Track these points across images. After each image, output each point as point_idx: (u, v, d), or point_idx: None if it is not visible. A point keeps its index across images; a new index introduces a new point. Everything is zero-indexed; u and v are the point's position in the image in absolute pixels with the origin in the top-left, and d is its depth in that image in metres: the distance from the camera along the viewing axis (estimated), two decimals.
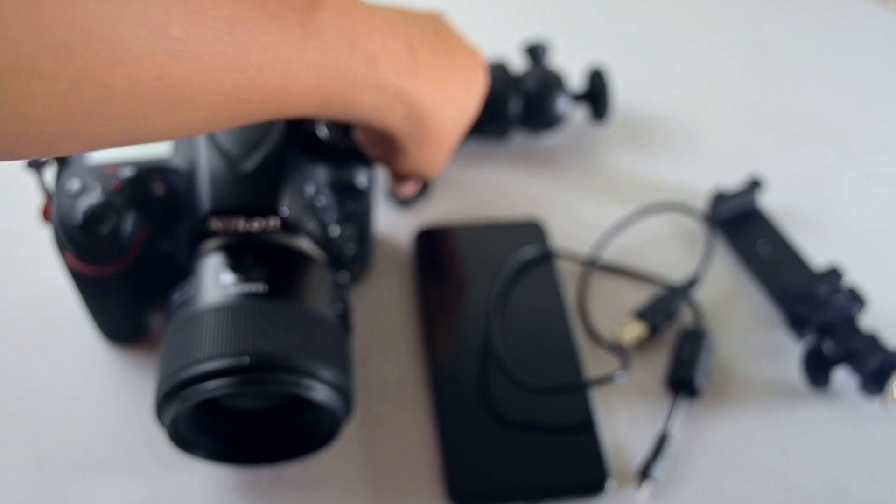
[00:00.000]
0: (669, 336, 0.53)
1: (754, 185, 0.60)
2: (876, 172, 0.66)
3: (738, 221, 0.60)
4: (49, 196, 0.46)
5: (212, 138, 0.44)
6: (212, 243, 0.44)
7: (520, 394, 0.50)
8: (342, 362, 0.42)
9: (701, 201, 0.61)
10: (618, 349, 0.53)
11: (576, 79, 0.67)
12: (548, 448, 0.48)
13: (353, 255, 0.51)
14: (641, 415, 0.50)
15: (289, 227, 0.44)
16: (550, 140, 0.68)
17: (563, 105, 0.64)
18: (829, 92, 0.73)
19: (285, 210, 0.44)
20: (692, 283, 0.55)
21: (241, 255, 0.43)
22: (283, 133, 0.45)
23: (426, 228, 0.59)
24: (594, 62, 0.66)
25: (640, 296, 0.56)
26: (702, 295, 0.56)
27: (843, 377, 0.51)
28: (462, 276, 0.56)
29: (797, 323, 0.53)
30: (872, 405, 0.51)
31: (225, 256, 0.43)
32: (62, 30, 0.24)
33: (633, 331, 0.53)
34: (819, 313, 0.52)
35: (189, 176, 0.45)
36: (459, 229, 0.59)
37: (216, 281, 0.42)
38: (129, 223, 0.44)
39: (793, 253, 0.58)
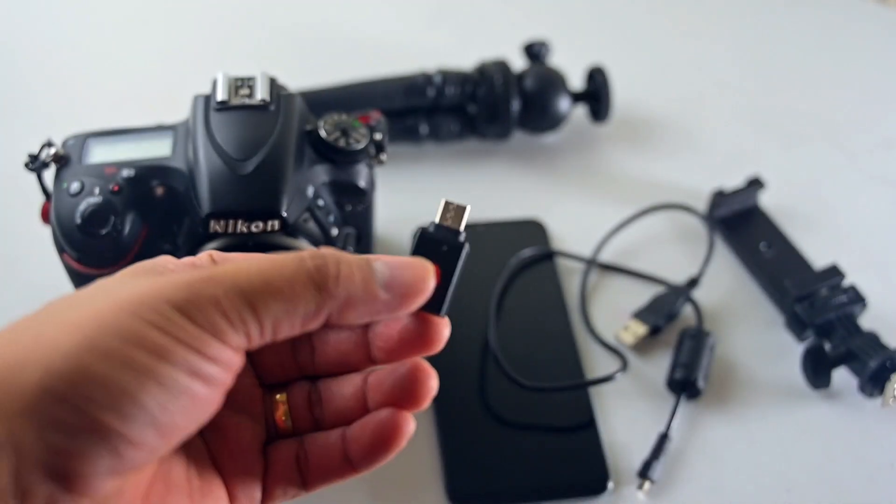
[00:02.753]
0: (670, 336, 0.53)
1: (754, 185, 0.60)
2: (876, 172, 0.66)
3: (739, 221, 0.60)
4: (48, 197, 0.46)
5: (211, 140, 0.44)
6: (212, 245, 0.44)
7: (520, 394, 0.49)
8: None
9: (701, 201, 0.61)
10: (618, 349, 0.52)
11: (576, 79, 0.67)
12: (548, 448, 0.48)
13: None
14: (641, 415, 0.50)
15: (289, 228, 0.44)
16: (550, 140, 0.67)
17: (563, 105, 0.64)
18: (829, 92, 0.73)
19: (285, 212, 0.44)
20: (693, 283, 0.55)
21: None
22: (283, 135, 0.45)
23: (426, 228, 0.59)
24: (594, 62, 0.66)
25: (640, 296, 0.56)
26: (702, 295, 0.56)
27: (843, 377, 0.51)
28: (462, 276, 0.56)
29: (797, 323, 0.53)
30: (872, 405, 0.51)
31: None
32: None
33: (633, 331, 0.53)
34: (819, 313, 0.52)
35: (189, 177, 0.45)
36: None
37: None
38: (128, 224, 0.44)
39: (793, 253, 0.58)
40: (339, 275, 0.27)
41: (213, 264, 0.29)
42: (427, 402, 0.30)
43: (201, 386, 0.25)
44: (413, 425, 0.29)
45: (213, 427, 0.29)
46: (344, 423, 0.31)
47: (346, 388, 0.31)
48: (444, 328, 0.30)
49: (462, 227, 0.31)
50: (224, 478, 0.29)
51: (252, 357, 0.31)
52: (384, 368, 0.31)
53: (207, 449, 0.30)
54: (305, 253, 0.27)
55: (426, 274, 0.29)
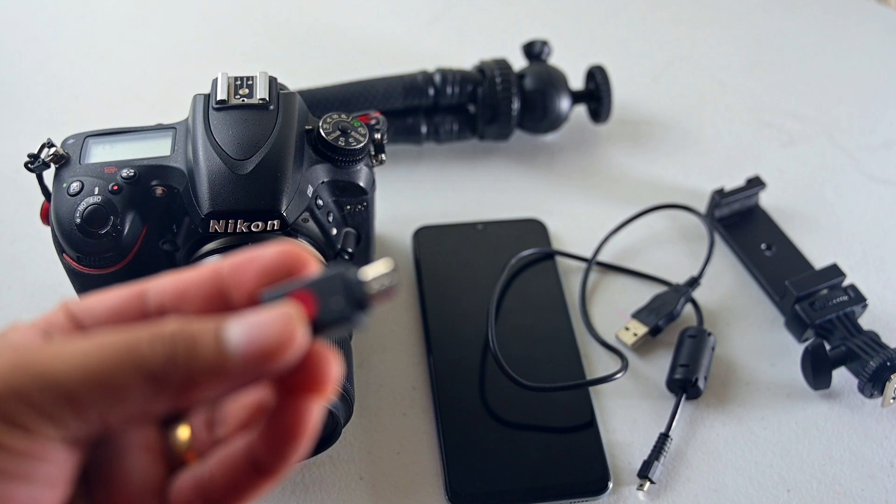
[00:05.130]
0: (670, 336, 0.53)
1: (755, 184, 0.60)
2: (876, 172, 0.66)
3: (739, 220, 0.60)
4: (48, 197, 0.46)
5: (211, 139, 0.44)
6: (211, 244, 0.44)
7: (520, 394, 0.49)
8: (343, 365, 0.42)
9: (701, 200, 0.61)
10: (618, 349, 0.52)
11: (576, 78, 0.67)
12: (548, 448, 0.48)
13: (353, 255, 0.51)
14: (641, 415, 0.50)
15: (288, 228, 0.44)
16: (550, 140, 0.67)
17: (563, 104, 0.64)
18: (829, 92, 0.73)
19: (284, 212, 0.44)
20: (693, 283, 0.55)
21: None
22: (283, 134, 0.45)
23: (426, 228, 0.59)
24: (594, 62, 0.66)
25: (640, 296, 0.56)
26: (702, 295, 0.56)
27: (843, 377, 0.51)
28: (462, 276, 0.56)
29: (798, 323, 0.53)
30: (872, 405, 0.51)
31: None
32: None
33: (633, 331, 0.53)
34: (819, 313, 0.52)
35: (188, 177, 0.45)
36: (459, 228, 0.59)
37: None
38: (128, 224, 0.44)
39: (794, 252, 0.58)
40: (176, 355, 0.23)
41: (65, 327, 0.26)
42: (329, 389, 0.25)
43: (18, 486, 0.22)
44: (318, 411, 0.25)
45: (100, 480, 0.26)
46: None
47: (247, 396, 0.28)
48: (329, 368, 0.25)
49: (370, 307, 0.25)
50: None
51: None
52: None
53: None
54: (142, 335, 0.23)
55: (291, 329, 0.23)
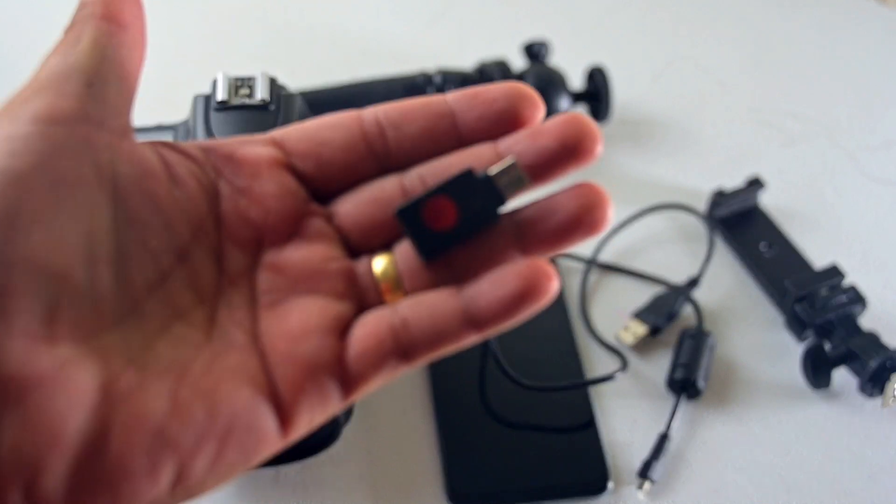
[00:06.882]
0: (670, 336, 0.53)
1: (755, 185, 0.60)
2: (876, 172, 0.66)
3: (739, 221, 0.60)
4: None
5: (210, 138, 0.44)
6: None
7: (520, 394, 0.49)
8: None
9: (701, 201, 0.61)
10: (618, 349, 0.53)
11: (576, 78, 0.67)
12: (548, 448, 0.48)
13: None
14: (641, 415, 0.50)
15: None
16: None
17: (563, 104, 0.64)
18: (829, 92, 0.73)
19: None
20: (693, 283, 0.55)
21: None
22: None
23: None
24: (594, 62, 0.66)
25: (640, 296, 0.56)
26: (702, 295, 0.56)
27: (843, 377, 0.51)
28: None
29: (798, 323, 0.53)
30: (872, 405, 0.51)
31: None
32: None
33: (633, 331, 0.53)
34: (819, 313, 0.52)
35: None
36: None
37: None
38: None
39: (793, 252, 0.58)
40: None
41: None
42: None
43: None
44: (556, 283, 0.24)
45: (272, 314, 0.24)
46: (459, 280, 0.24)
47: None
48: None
49: (507, 201, 0.26)
50: (277, 378, 0.23)
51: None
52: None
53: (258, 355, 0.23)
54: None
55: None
